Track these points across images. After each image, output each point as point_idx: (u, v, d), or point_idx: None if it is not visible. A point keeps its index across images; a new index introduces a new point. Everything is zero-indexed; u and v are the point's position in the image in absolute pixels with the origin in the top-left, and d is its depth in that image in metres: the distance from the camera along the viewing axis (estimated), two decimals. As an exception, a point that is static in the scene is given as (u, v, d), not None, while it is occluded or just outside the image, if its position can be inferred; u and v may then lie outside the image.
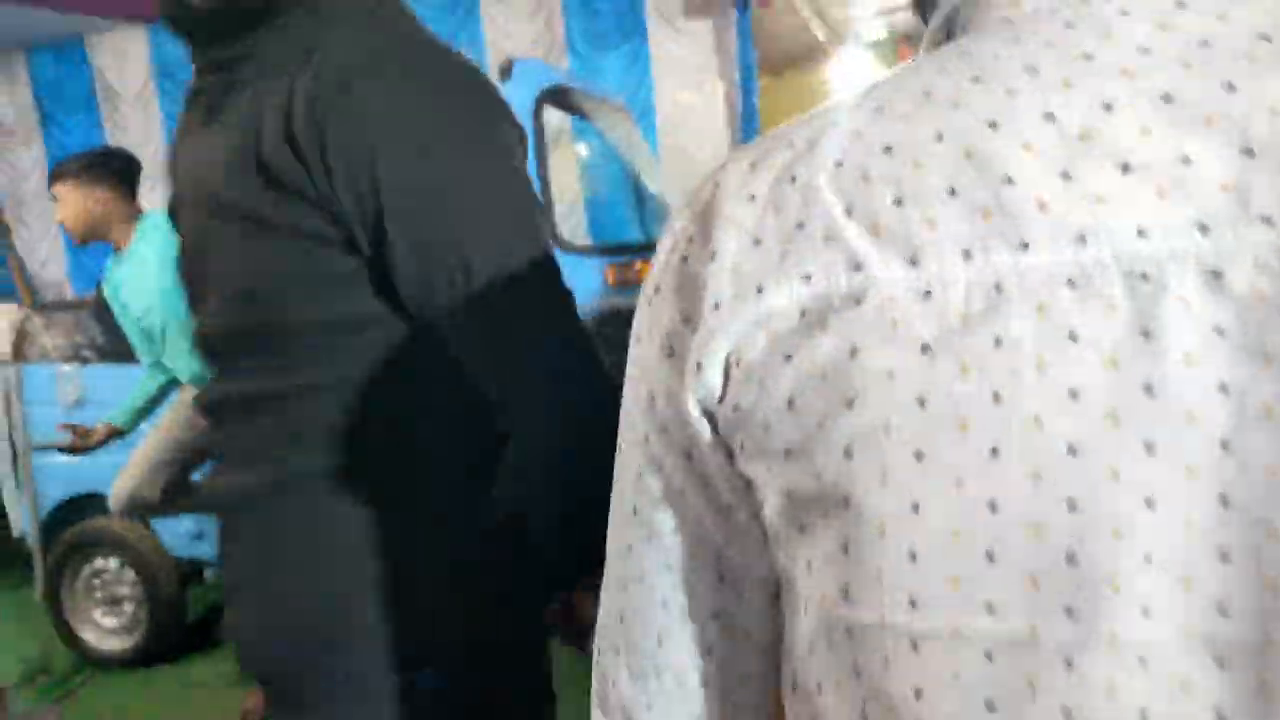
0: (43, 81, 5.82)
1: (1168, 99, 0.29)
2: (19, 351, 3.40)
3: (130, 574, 3.33)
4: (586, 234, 4.76)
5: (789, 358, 0.32)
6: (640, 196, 3.95)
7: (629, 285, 2.88)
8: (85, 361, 3.36)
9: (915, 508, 0.29)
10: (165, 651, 3.29)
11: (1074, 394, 0.28)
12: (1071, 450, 0.28)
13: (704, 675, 0.40)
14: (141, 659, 3.25)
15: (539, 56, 4.65)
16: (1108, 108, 0.29)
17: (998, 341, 0.29)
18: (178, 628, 3.36)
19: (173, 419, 2.67)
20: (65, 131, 5.81)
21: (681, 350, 0.35)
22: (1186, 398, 0.27)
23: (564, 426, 0.74)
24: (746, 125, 4.74)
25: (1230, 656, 0.26)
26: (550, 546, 0.78)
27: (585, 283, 2.86)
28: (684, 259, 0.36)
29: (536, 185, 2.86)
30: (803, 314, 0.32)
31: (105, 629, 3.33)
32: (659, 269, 0.38)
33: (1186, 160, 0.28)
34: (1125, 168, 0.29)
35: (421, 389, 0.76)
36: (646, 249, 3.13)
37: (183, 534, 3.28)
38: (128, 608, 3.33)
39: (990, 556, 0.28)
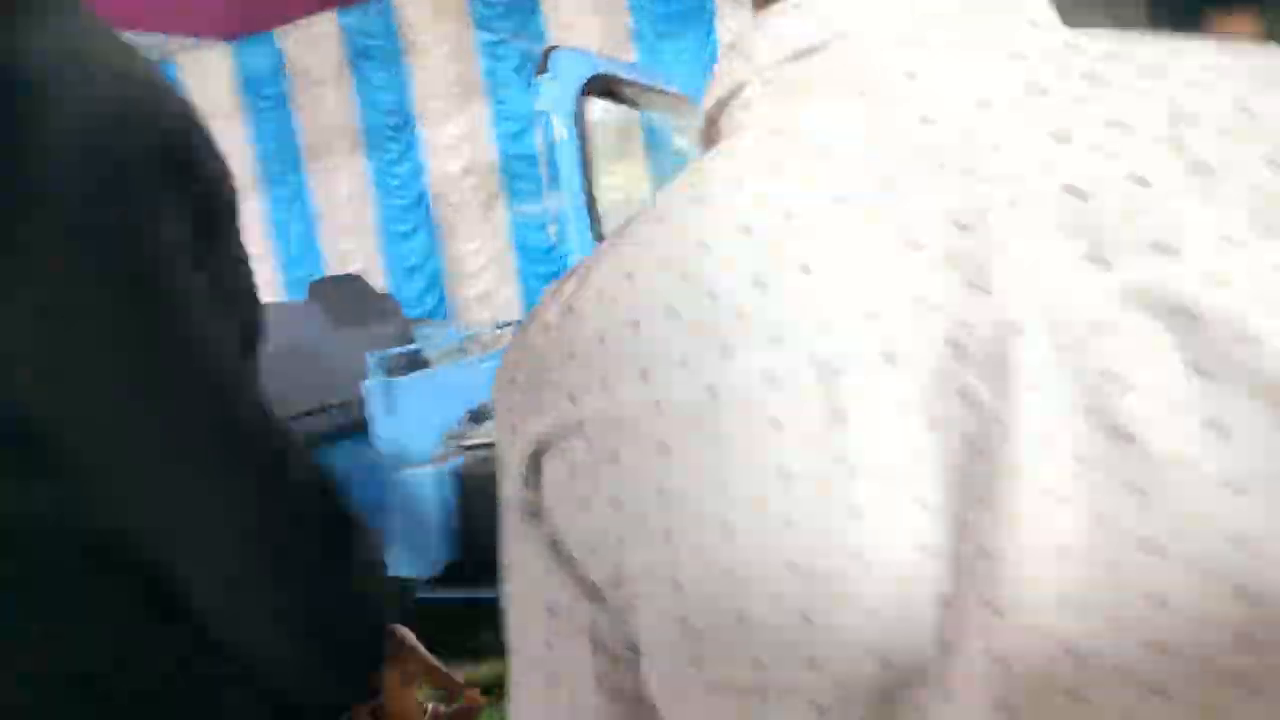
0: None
1: (839, 200, 0.32)
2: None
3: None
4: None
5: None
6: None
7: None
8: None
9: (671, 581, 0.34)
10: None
11: (783, 474, 0.32)
12: (787, 523, 0.32)
13: None
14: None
15: (605, 49, 4.46)
16: (789, 216, 0.33)
17: (714, 439, 0.33)
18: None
19: None
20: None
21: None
22: (881, 464, 0.31)
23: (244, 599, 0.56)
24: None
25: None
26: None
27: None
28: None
29: (579, 188, 2.69)
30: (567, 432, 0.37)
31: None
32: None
33: (855, 258, 0.32)
34: (806, 269, 0.32)
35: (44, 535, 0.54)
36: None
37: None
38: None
39: (740, 616, 0.33)
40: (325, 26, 5.22)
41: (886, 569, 0.30)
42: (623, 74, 3.07)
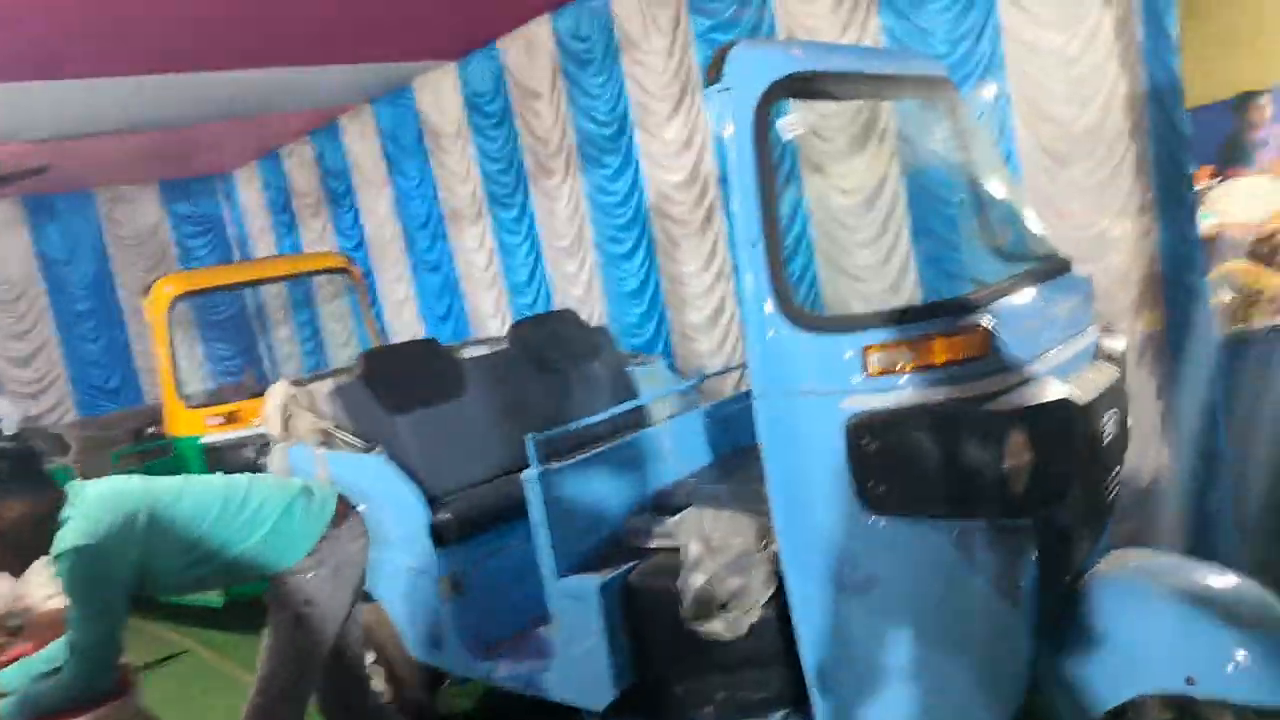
0: (385, 130, 6.16)
1: None
2: (287, 428, 3.35)
3: (382, 670, 3.14)
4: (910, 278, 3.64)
5: None
6: (981, 206, 2.71)
7: (895, 374, 1.83)
8: (329, 445, 3.19)
9: None
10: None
11: None
12: None
13: None
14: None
15: (840, 19, 3.61)
16: None
17: None
18: (428, 731, 3.10)
19: None
20: (404, 175, 6.11)
21: None
22: None
23: None
24: (1157, 72, 3.12)
25: None
26: None
27: (827, 376, 1.87)
28: None
29: (756, 220, 1.94)
30: None
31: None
32: None
33: None
34: None
35: None
36: (946, 312, 2.01)
37: (422, 641, 2.98)
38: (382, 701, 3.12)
39: None
40: (540, 30, 4.85)
41: None
42: (837, 65, 2.27)
